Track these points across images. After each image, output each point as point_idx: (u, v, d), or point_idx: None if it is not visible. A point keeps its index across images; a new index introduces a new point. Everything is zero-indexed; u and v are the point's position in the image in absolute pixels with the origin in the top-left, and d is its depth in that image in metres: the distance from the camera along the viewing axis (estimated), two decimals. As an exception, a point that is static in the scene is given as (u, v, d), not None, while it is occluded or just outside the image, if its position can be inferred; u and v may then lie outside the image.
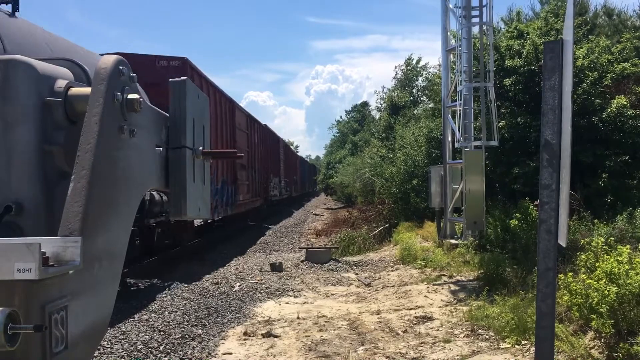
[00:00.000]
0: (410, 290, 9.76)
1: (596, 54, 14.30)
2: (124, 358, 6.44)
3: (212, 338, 7.30)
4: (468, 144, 12.67)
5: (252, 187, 20.86)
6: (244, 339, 7.21)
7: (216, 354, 6.66)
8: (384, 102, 37.33)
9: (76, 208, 1.30)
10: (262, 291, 10.17)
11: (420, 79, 35.38)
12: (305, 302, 9.40)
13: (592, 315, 5.45)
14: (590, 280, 5.67)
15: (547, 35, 14.68)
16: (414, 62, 36.67)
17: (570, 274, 6.19)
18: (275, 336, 7.28)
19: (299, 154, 70.95)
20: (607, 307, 5.31)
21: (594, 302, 5.43)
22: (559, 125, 3.27)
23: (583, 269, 6.21)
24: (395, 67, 39.85)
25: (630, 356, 5.06)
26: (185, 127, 1.72)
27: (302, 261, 13.50)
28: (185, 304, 9.09)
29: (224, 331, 7.62)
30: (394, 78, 37.50)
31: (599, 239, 6.64)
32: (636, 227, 9.87)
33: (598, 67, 14.13)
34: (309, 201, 52.97)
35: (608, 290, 5.34)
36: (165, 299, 9.33)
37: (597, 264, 5.90)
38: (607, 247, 6.40)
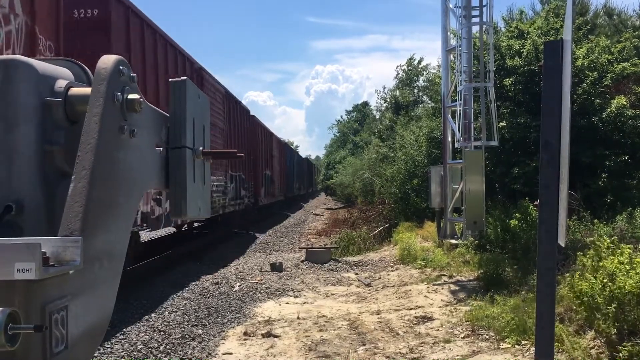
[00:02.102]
0: (410, 290, 9.76)
1: (596, 54, 14.31)
2: (124, 358, 6.44)
3: (212, 338, 7.30)
4: (468, 144, 12.68)
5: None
6: (244, 339, 7.21)
7: (216, 354, 6.66)
8: (387, 102, 37.42)
9: (76, 208, 1.30)
10: (262, 291, 10.17)
11: (421, 79, 35.48)
12: (305, 302, 9.41)
13: (598, 315, 5.45)
14: (596, 281, 5.67)
15: (547, 35, 14.69)
16: (416, 62, 36.77)
17: (578, 273, 6.19)
18: (275, 336, 7.28)
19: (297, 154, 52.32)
20: (617, 303, 5.30)
21: (600, 302, 5.43)
22: (559, 126, 3.27)
23: (590, 269, 6.21)
24: (397, 66, 39.98)
25: (631, 356, 5.07)
26: (185, 127, 1.72)
27: (302, 261, 13.50)
28: (185, 304, 9.09)
29: (224, 331, 7.63)
30: (395, 78, 37.60)
31: (604, 239, 6.63)
32: (636, 227, 9.88)
33: (598, 67, 14.14)
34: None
35: (622, 283, 5.31)
36: (165, 299, 9.33)
37: (600, 264, 5.90)
38: (613, 245, 6.39)
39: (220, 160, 14.96)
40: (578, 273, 6.16)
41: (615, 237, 7.49)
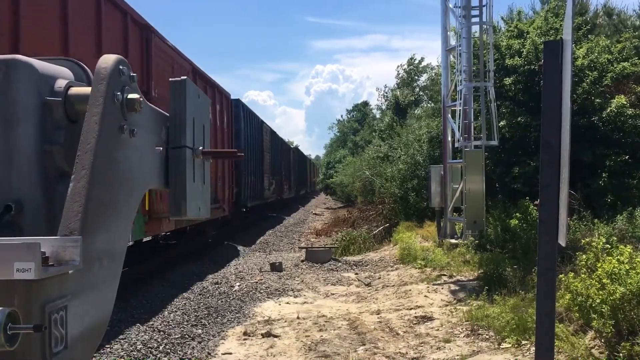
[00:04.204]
0: (410, 290, 9.76)
1: (596, 54, 14.31)
2: (124, 358, 6.44)
3: (211, 338, 7.30)
4: (468, 144, 12.69)
5: None
6: (244, 339, 7.21)
7: (216, 354, 6.65)
8: (387, 101, 37.41)
9: (76, 208, 1.30)
10: (261, 291, 10.18)
11: (422, 78, 35.49)
12: (305, 302, 9.41)
13: (593, 315, 5.45)
14: (592, 280, 5.67)
15: (547, 34, 14.69)
16: (417, 61, 36.80)
17: (572, 274, 6.19)
18: (275, 336, 7.28)
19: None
20: (609, 308, 5.30)
21: (595, 303, 5.43)
22: (559, 125, 3.27)
23: (584, 269, 6.22)
24: (398, 66, 39.98)
25: (631, 356, 5.06)
26: (185, 126, 1.72)
27: (302, 261, 13.50)
28: (184, 303, 9.09)
29: (223, 331, 7.63)
30: (396, 77, 37.62)
31: (600, 239, 6.64)
32: (636, 226, 9.88)
33: (598, 67, 14.14)
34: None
35: (614, 290, 5.32)
36: (164, 299, 9.33)
37: (598, 265, 5.90)
38: (608, 246, 6.40)
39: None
40: (571, 274, 6.16)
41: (614, 237, 7.50)
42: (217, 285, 10.61)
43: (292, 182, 36.51)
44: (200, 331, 7.59)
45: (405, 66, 37.40)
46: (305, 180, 48.72)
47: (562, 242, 3.25)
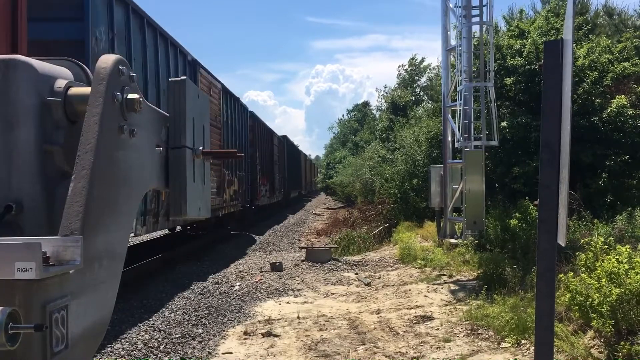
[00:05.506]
0: (410, 290, 9.76)
1: (596, 54, 14.29)
2: (124, 357, 6.44)
3: (212, 337, 7.30)
4: (468, 144, 12.68)
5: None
6: (244, 339, 7.22)
7: (216, 354, 6.66)
8: (385, 102, 37.38)
9: (77, 208, 1.31)
10: (262, 291, 10.18)
11: (423, 78, 35.47)
12: (305, 302, 9.41)
13: (593, 315, 5.45)
14: (591, 280, 5.67)
15: (548, 34, 14.68)
16: (417, 61, 36.78)
17: (571, 273, 6.19)
18: (276, 335, 7.29)
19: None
20: (608, 307, 5.31)
21: (595, 302, 5.43)
22: (559, 125, 3.27)
23: (583, 269, 6.22)
24: (399, 66, 39.94)
25: (630, 356, 5.07)
26: (185, 127, 1.72)
27: (302, 261, 13.50)
28: (185, 303, 9.10)
29: (224, 330, 7.63)
30: (397, 77, 37.59)
31: (598, 238, 6.65)
32: (636, 226, 9.87)
33: (598, 67, 14.12)
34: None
35: (610, 291, 5.34)
36: (165, 299, 9.33)
37: (597, 264, 5.91)
38: (606, 246, 6.41)
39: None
40: (571, 273, 6.16)
41: (611, 237, 7.50)
42: (217, 285, 10.61)
43: (277, 181, 27.28)
44: (200, 331, 7.60)
45: (407, 66, 37.41)
46: (299, 179, 38.39)
47: (561, 242, 3.25)
